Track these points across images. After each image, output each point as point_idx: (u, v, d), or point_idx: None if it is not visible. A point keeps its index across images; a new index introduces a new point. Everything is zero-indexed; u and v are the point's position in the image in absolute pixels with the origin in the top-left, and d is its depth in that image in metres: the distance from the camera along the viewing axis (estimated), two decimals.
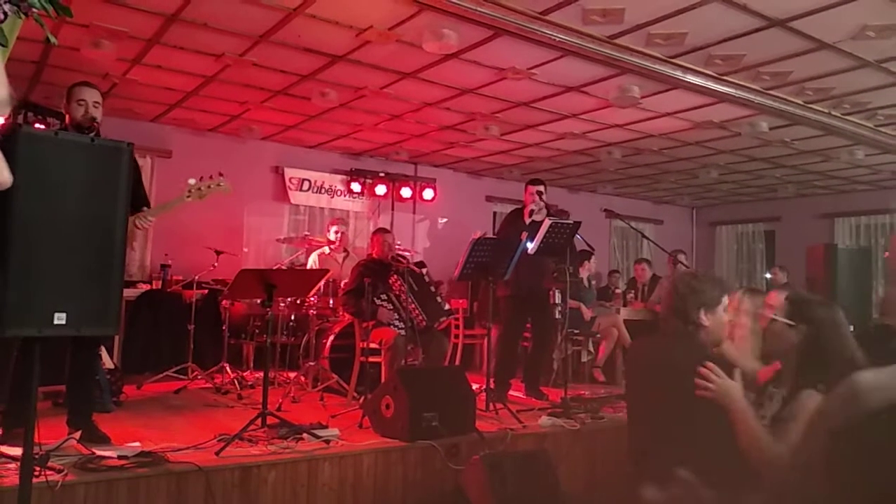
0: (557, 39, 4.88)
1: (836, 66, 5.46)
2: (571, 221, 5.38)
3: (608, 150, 8.47)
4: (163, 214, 4.00)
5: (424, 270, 5.79)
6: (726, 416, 2.24)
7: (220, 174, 4.03)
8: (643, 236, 7.69)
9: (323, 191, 9.02)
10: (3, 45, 2.37)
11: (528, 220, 5.73)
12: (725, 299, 2.56)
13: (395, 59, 5.63)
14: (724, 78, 5.77)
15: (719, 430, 2.25)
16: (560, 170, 9.76)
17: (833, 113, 6.65)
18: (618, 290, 8.81)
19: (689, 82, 5.66)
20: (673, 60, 5.43)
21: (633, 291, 8.76)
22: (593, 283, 8.45)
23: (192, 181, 3.97)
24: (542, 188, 5.86)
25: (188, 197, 3.93)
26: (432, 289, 5.69)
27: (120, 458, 3.18)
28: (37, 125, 6.07)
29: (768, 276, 11.15)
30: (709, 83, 5.74)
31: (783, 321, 2.43)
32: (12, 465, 2.96)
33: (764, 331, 2.56)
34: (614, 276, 10.02)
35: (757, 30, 4.82)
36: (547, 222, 5.28)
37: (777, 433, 2.26)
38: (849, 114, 6.71)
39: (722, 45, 5.12)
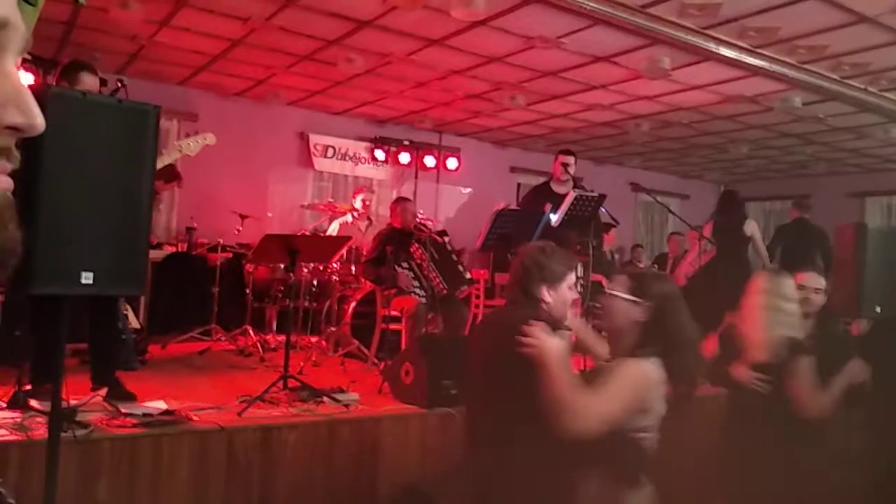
0: (588, 7, 4.79)
1: (875, 41, 5.31)
2: (596, 194, 5.33)
3: (636, 122, 8.35)
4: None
5: (446, 239, 5.78)
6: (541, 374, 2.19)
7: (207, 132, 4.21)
8: (669, 211, 7.58)
9: (347, 158, 9.01)
10: (32, 5, 2.38)
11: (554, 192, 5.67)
12: (571, 276, 2.54)
13: (422, 26, 5.57)
14: (758, 51, 5.64)
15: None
16: (586, 141, 9.64)
17: (869, 89, 6.48)
18: (641, 265, 8.75)
19: (722, 54, 5.54)
20: (706, 31, 5.31)
21: (657, 266, 8.69)
22: (616, 256, 8.39)
23: (178, 141, 4.23)
24: (571, 160, 5.79)
25: (180, 152, 4.03)
26: (454, 257, 5.68)
27: (144, 415, 3.25)
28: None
29: None
30: (742, 56, 5.61)
31: (627, 298, 2.37)
32: (41, 419, 3.04)
33: (606, 307, 2.53)
34: (637, 251, 9.95)
35: (794, 1, 4.69)
36: (571, 195, 5.23)
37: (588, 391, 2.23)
38: (886, 90, 6.53)
39: (757, 17, 5.00)
